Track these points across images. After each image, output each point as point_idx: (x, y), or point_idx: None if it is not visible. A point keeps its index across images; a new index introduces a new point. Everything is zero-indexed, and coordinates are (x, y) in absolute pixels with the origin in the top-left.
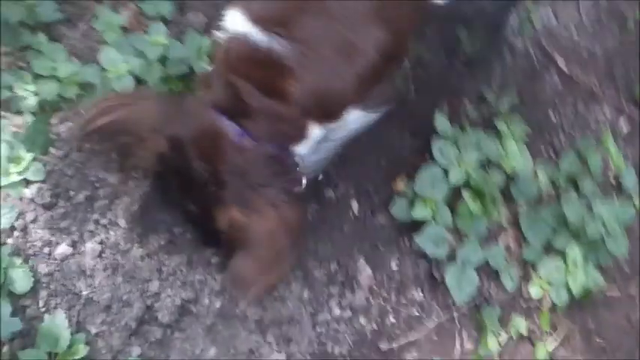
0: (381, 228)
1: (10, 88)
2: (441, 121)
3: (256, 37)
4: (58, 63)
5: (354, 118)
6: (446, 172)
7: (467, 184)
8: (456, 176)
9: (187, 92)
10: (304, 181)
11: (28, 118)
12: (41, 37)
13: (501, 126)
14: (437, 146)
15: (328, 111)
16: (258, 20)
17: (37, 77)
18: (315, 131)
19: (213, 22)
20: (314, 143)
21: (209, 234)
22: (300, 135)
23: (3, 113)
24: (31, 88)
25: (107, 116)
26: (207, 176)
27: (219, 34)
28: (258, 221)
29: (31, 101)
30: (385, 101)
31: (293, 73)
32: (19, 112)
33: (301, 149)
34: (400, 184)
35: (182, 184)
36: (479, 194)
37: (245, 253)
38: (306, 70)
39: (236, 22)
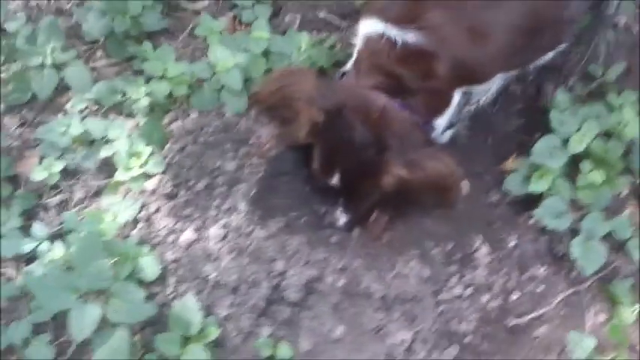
0: (495, 206)
1: (123, 94)
2: (562, 94)
3: (397, 34)
4: (168, 64)
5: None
6: (565, 141)
7: (586, 154)
8: (575, 145)
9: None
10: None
11: (141, 120)
12: (147, 45)
13: (612, 98)
14: (556, 116)
15: (470, 78)
16: (395, 21)
17: (149, 80)
18: (456, 98)
19: (306, 21)
20: (453, 110)
21: (351, 203)
22: (446, 105)
23: (116, 117)
24: (143, 90)
25: (270, 91)
26: (370, 141)
27: (355, 38)
28: (425, 173)
29: (143, 102)
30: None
31: (435, 55)
32: (130, 115)
33: (441, 120)
34: (511, 164)
35: (334, 151)
36: (599, 164)
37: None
38: (444, 49)
39: (374, 26)
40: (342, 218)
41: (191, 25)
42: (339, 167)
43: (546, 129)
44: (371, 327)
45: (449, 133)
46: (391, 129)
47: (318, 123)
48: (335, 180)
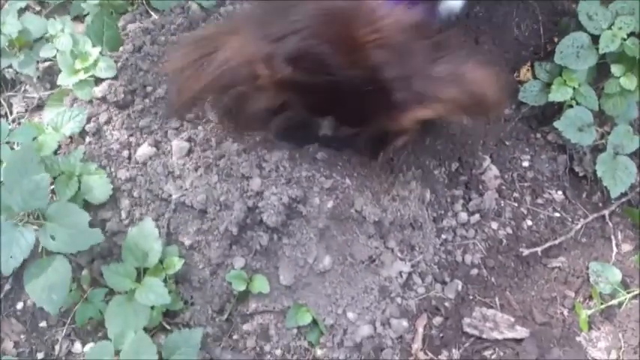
0: (507, 121)
1: None
2: None
3: None
4: None
5: None
6: (594, 39)
7: (618, 57)
8: (607, 43)
9: None
10: None
11: (92, 17)
12: None
13: None
14: (584, 9)
15: None
16: None
17: None
18: None
19: None
20: None
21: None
22: None
23: (62, 17)
24: None
25: (200, 78)
26: (363, 82)
27: None
28: (451, 103)
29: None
30: None
31: None
32: (80, 17)
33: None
34: (526, 74)
35: (318, 106)
36: (633, 69)
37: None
38: None
39: None
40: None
41: None
42: (335, 118)
43: (565, 34)
44: (363, 257)
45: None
46: (387, 51)
47: (285, 79)
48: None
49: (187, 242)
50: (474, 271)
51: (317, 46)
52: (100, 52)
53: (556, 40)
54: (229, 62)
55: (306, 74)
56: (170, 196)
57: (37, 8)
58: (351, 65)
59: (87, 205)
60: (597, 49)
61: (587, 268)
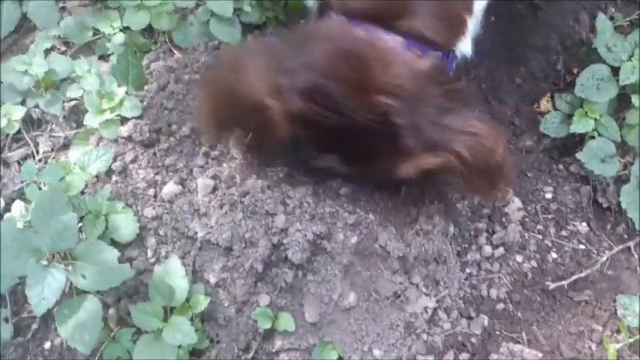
0: (528, 153)
1: (95, 31)
2: (602, 19)
3: None
4: None
5: None
6: (614, 70)
7: (637, 87)
8: (627, 75)
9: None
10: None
11: (117, 57)
12: None
13: None
14: (602, 42)
15: None
16: None
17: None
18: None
19: None
20: (476, 27)
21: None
22: (466, 21)
23: (88, 57)
24: (117, 24)
25: (218, 105)
26: (371, 125)
27: None
28: (457, 157)
29: (118, 39)
30: None
31: None
32: (104, 57)
33: (465, 44)
34: (546, 105)
35: (326, 145)
36: None
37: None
38: None
39: None
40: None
41: None
42: (339, 156)
43: (584, 64)
44: (388, 293)
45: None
46: (398, 98)
47: (295, 112)
48: (336, 165)
49: (213, 280)
50: (500, 306)
51: (329, 84)
52: (126, 92)
53: (575, 70)
54: (241, 92)
55: (316, 110)
56: (196, 233)
57: (63, 48)
58: (361, 107)
59: (114, 244)
60: (617, 80)
61: (615, 301)
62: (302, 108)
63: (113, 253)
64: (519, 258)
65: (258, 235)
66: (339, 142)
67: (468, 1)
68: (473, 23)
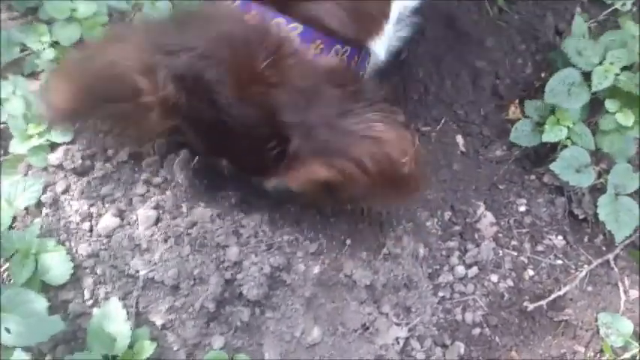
0: (499, 164)
1: (22, 47)
2: (579, 22)
3: None
4: (76, 2)
5: None
6: (585, 75)
7: (612, 92)
8: (600, 80)
9: None
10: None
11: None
12: None
13: (630, 27)
14: (572, 45)
15: None
16: None
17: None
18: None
19: None
20: (393, 31)
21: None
22: (382, 19)
23: (14, 77)
24: (46, 38)
25: (78, 83)
26: (257, 125)
27: None
28: (357, 169)
29: (47, 55)
30: None
31: None
32: (33, 74)
33: (379, 46)
34: (515, 111)
35: (208, 142)
36: (628, 103)
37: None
38: None
39: None
40: None
41: None
42: (226, 157)
43: (553, 69)
44: (356, 325)
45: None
46: (288, 92)
47: (168, 98)
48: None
49: (159, 322)
50: (476, 331)
51: (208, 69)
52: None
53: (543, 75)
54: (109, 69)
55: (193, 100)
56: (138, 271)
57: None
58: (242, 100)
59: (45, 287)
60: (589, 85)
61: (596, 320)
62: (176, 95)
63: (42, 303)
64: (494, 277)
65: (209, 270)
66: (223, 144)
67: (384, 3)
68: (388, 28)
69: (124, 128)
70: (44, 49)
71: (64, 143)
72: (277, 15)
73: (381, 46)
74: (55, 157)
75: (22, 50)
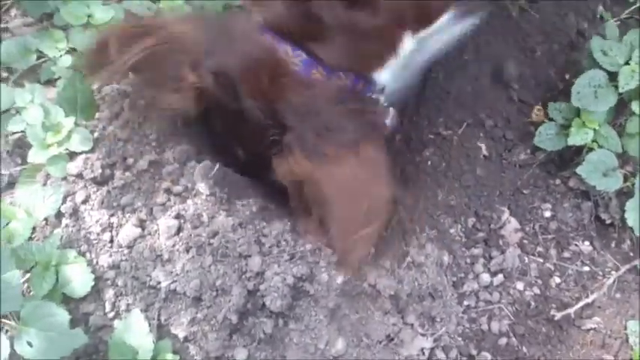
0: (522, 168)
1: (39, 54)
2: (610, 25)
3: None
4: (92, 8)
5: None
6: (612, 76)
7: (639, 93)
8: (627, 80)
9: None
10: (390, 119)
11: (63, 83)
12: None
13: None
14: (597, 45)
15: (426, 11)
16: None
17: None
18: (406, 45)
19: None
20: (401, 65)
21: (270, 186)
22: (387, 54)
23: (31, 85)
24: (63, 45)
25: (140, 43)
26: (263, 118)
27: None
28: (331, 171)
29: (64, 61)
30: None
31: None
32: (50, 82)
33: (385, 76)
34: (538, 114)
35: (230, 127)
36: None
37: (322, 211)
38: None
39: None
40: None
41: None
42: (242, 142)
43: (577, 70)
44: (380, 336)
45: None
46: (291, 100)
47: (204, 89)
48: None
49: (181, 334)
50: (503, 341)
51: (233, 73)
52: (75, 123)
53: (567, 76)
54: (168, 51)
55: (222, 92)
56: (159, 283)
57: (4, 75)
58: (253, 101)
59: (66, 299)
60: (616, 86)
61: (625, 328)
62: (212, 87)
63: (63, 316)
64: (520, 285)
65: (231, 281)
66: (239, 129)
67: (388, 43)
68: (396, 62)
69: (164, 102)
70: (61, 55)
71: (83, 152)
72: (286, 43)
73: (387, 76)
74: (74, 167)
75: (38, 57)
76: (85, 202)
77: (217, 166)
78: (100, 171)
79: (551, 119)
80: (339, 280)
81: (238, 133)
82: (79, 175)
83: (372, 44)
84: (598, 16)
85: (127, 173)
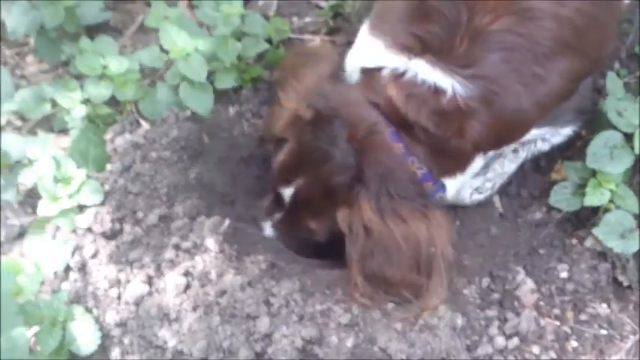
0: (538, 227)
1: (53, 103)
2: (613, 80)
3: (432, 77)
4: (108, 59)
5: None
6: (628, 137)
7: None
8: None
9: None
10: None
11: (76, 134)
12: (84, 41)
13: None
14: (612, 106)
15: (500, 142)
16: (443, 59)
17: (83, 82)
18: (475, 163)
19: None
20: (468, 178)
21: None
22: (460, 168)
23: (44, 134)
24: (78, 95)
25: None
26: (348, 164)
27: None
28: (399, 225)
29: (79, 112)
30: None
31: (475, 113)
32: (64, 131)
33: (452, 184)
34: (557, 174)
35: (293, 159)
36: None
37: (381, 259)
38: (489, 108)
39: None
40: (267, 230)
41: (140, 19)
42: (300, 178)
43: (594, 129)
44: None
45: (470, 199)
46: (374, 159)
47: (300, 118)
48: (288, 191)
49: None
50: None
51: (336, 120)
52: (87, 175)
53: (584, 133)
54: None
55: (314, 131)
56: (166, 342)
57: (19, 123)
58: (348, 147)
59: (72, 356)
60: (632, 147)
61: None
62: (307, 118)
63: None
64: (536, 349)
65: (239, 342)
66: (307, 166)
67: (466, 160)
68: (465, 175)
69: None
70: (74, 107)
71: (93, 205)
72: (391, 130)
73: (452, 186)
74: (84, 220)
75: (52, 106)
76: (93, 256)
77: (227, 221)
78: (109, 225)
79: (566, 180)
80: (349, 343)
81: (309, 165)
82: (89, 229)
83: (450, 161)
84: (615, 72)
85: (137, 228)
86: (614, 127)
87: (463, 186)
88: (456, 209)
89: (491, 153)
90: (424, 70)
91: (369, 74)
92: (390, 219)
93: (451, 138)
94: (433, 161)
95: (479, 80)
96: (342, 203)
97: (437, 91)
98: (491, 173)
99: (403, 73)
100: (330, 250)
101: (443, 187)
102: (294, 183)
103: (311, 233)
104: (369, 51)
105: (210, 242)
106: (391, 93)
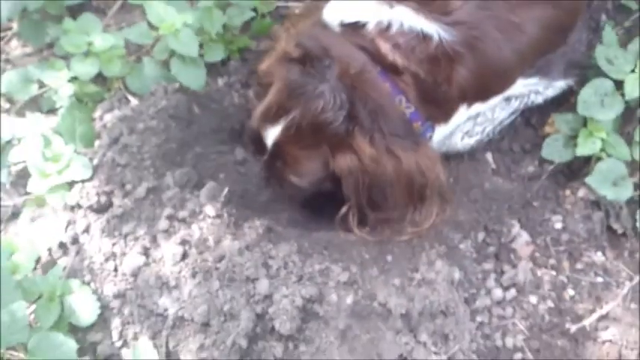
0: (531, 180)
1: (40, 84)
2: (608, 30)
3: (431, 27)
4: (93, 35)
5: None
6: (618, 84)
7: None
8: (633, 88)
9: None
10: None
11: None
12: (68, 21)
13: None
14: (602, 54)
15: (484, 90)
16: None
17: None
18: (459, 114)
19: None
20: (451, 130)
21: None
22: (444, 117)
23: (33, 115)
24: (64, 74)
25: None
26: (340, 103)
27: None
28: (397, 159)
29: (66, 91)
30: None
31: (462, 58)
32: (52, 111)
33: (444, 128)
34: (553, 127)
35: (279, 100)
36: None
37: (379, 195)
38: (473, 53)
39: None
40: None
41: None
42: (286, 119)
43: (583, 80)
44: (393, 356)
45: (461, 143)
46: (366, 96)
47: (288, 57)
48: (272, 135)
49: None
50: (518, 356)
51: (328, 59)
52: (75, 151)
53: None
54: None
55: (303, 69)
56: (166, 310)
57: (7, 106)
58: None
59: (73, 329)
60: (623, 94)
61: None
62: (296, 56)
63: (71, 346)
64: (533, 299)
65: (239, 305)
66: (294, 104)
67: (450, 109)
68: (445, 127)
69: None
70: (62, 85)
71: (82, 180)
72: (386, 76)
73: (440, 132)
74: (73, 195)
75: (39, 87)
76: (85, 231)
77: (226, 189)
78: (95, 198)
79: (557, 132)
80: (349, 300)
81: (297, 104)
82: (78, 205)
83: (439, 111)
84: (602, 25)
85: (126, 200)
86: (605, 75)
87: (454, 132)
88: (449, 165)
89: (475, 107)
90: (409, 18)
91: (353, 28)
92: (384, 156)
93: (441, 84)
94: (420, 106)
95: (460, 26)
96: (336, 143)
97: (425, 38)
98: (482, 118)
99: (389, 26)
100: (320, 200)
101: (432, 128)
102: (280, 121)
103: (297, 175)
104: (349, 3)
105: (209, 209)
106: (379, 44)
